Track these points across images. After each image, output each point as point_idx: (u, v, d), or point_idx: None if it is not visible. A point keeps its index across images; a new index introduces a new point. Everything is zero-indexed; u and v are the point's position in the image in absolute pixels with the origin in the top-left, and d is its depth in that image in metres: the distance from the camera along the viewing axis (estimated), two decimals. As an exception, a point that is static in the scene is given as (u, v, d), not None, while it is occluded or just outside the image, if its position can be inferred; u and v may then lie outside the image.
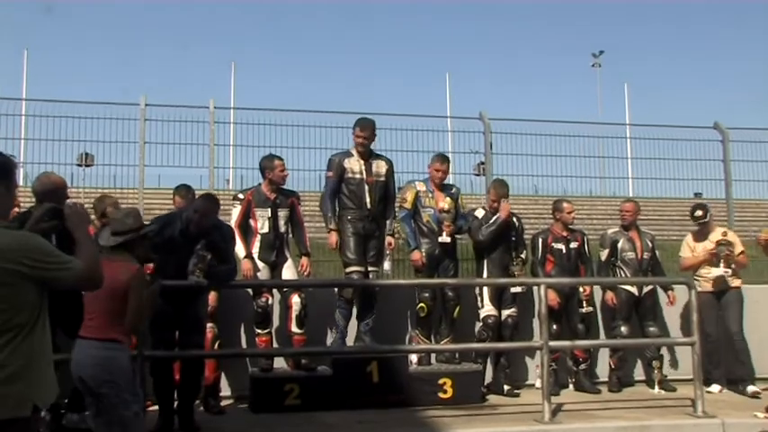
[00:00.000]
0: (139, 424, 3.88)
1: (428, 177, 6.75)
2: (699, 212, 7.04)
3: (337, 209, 6.38)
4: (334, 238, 6.27)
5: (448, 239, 6.47)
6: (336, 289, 6.37)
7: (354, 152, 6.42)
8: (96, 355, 3.74)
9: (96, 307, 3.79)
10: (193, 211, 5.14)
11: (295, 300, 5.99)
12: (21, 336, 2.51)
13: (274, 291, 6.16)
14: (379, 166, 6.44)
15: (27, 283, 2.52)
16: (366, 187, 6.33)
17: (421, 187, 6.65)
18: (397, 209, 6.66)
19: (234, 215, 6.09)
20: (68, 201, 4.83)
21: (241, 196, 6.20)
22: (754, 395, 6.59)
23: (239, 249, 5.82)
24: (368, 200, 6.33)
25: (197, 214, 5.10)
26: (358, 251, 6.27)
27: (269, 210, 6.11)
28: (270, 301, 6.03)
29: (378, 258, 6.41)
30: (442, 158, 6.81)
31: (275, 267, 6.12)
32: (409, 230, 6.55)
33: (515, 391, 6.55)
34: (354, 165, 6.37)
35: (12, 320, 2.50)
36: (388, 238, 6.49)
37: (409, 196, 6.61)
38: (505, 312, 6.59)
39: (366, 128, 6.38)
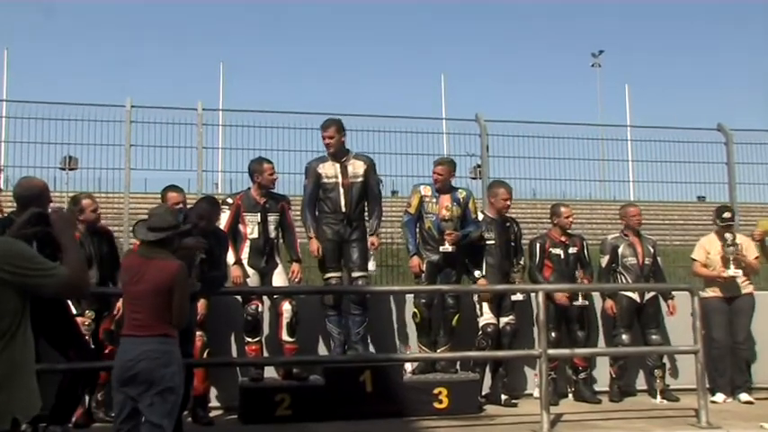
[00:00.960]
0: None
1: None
2: (727, 214, 6.89)
3: (317, 215, 6.30)
4: (314, 245, 6.19)
5: (449, 249, 6.30)
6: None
7: (328, 156, 6.31)
8: (153, 349, 3.82)
9: (141, 306, 3.91)
10: (198, 217, 5.02)
11: (286, 307, 5.91)
12: (1, 344, 2.43)
13: (264, 298, 6.07)
14: (356, 167, 6.31)
15: (8, 290, 2.44)
16: (341, 190, 6.21)
17: (426, 192, 6.51)
18: (403, 213, 6.56)
19: (222, 220, 5.95)
20: (52, 205, 4.72)
21: (230, 201, 6.11)
22: (747, 403, 6.53)
23: (228, 255, 5.68)
24: (343, 203, 6.22)
25: (203, 221, 5.00)
26: (333, 257, 6.21)
27: (258, 214, 6.04)
28: (260, 309, 5.93)
29: (362, 263, 6.28)
30: (438, 161, 6.67)
31: (265, 274, 6.04)
32: (410, 236, 6.45)
33: (513, 401, 6.44)
34: (329, 169, 6.27)
35: None
36: (371, 239, 6.35)
37: (414, 201, 6.50)
38: (504, 320, 6.48)
39: (328, 127, 6.27)
